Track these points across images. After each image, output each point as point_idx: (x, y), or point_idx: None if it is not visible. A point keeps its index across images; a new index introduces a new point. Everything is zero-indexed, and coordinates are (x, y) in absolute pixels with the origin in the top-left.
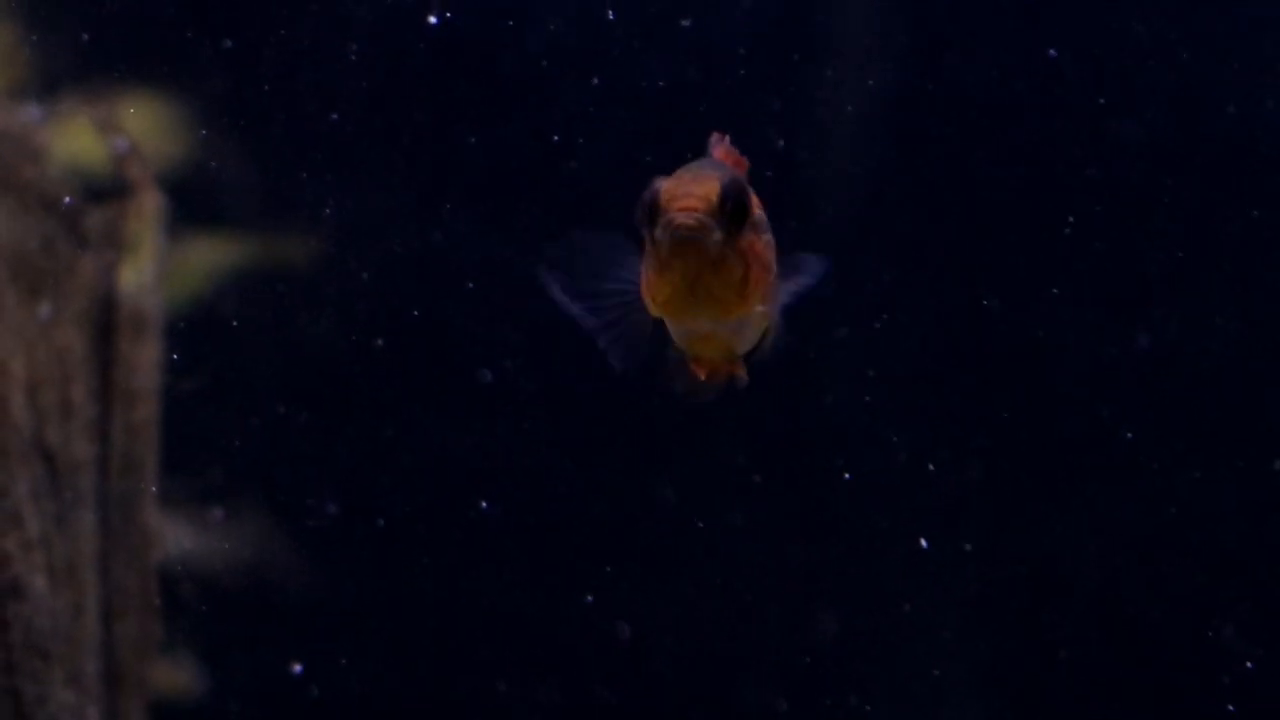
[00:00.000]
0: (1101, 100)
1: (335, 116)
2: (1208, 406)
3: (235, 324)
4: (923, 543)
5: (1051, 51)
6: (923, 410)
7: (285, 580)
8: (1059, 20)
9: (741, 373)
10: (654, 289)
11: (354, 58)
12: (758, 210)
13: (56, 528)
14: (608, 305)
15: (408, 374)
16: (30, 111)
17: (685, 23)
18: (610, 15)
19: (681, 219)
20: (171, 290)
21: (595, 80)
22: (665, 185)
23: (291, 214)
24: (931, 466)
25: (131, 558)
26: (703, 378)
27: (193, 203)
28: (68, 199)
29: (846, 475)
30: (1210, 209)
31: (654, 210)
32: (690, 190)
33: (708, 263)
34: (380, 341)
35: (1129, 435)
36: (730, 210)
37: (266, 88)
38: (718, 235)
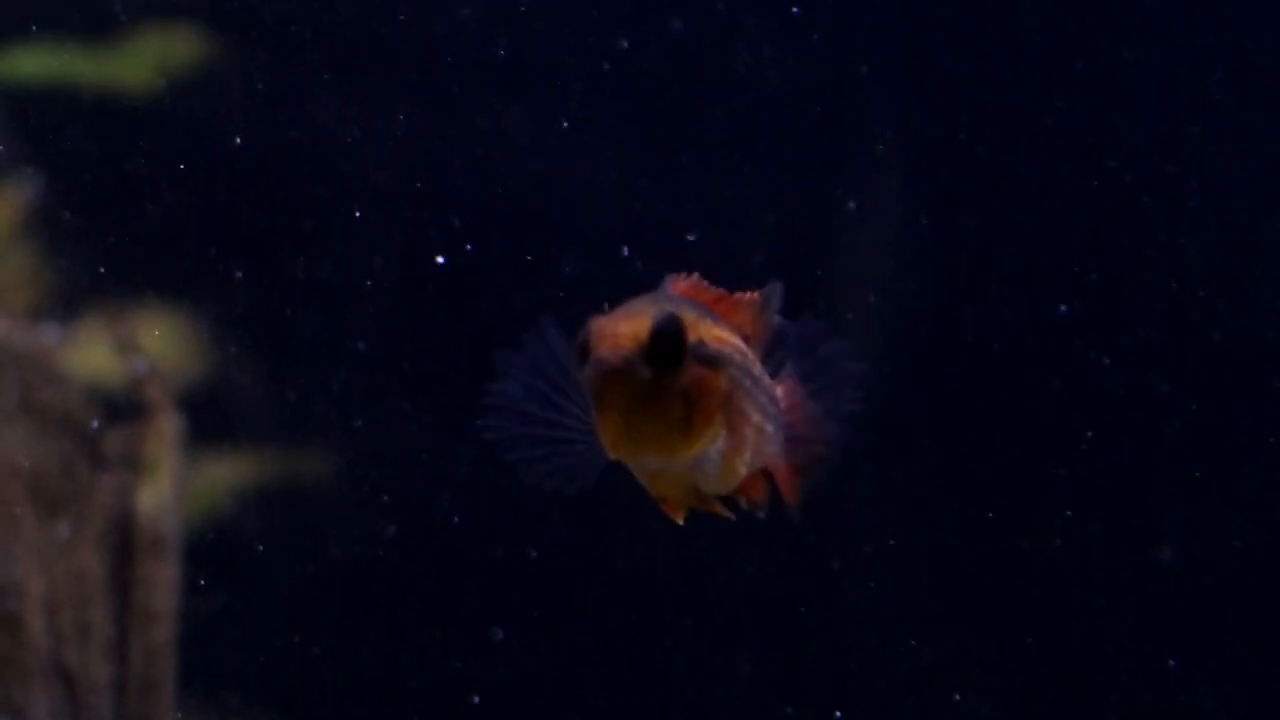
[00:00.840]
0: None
1: (352, 334)
2: None
3: (254, 542)
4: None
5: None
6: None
7: None
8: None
9: (720, 511)
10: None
11: (369, 277)
12: (720, 345)
13: None
14: (567, 424)
15: (429, 589)
16: (50, 332)
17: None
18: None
19: (605, 355)
20: (190, 509)
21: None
22: (596, 323)
23: (310, 429)
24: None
25: None
26: (673, 516)
27: (211, 420)
28: (93, 423)
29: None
30: None
31: (584, 349)
32: (618, 329)
33: (637, 402)
34: (400, 556)
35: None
36: (662, 349)
37: (283, 305)
38: (643, 373)
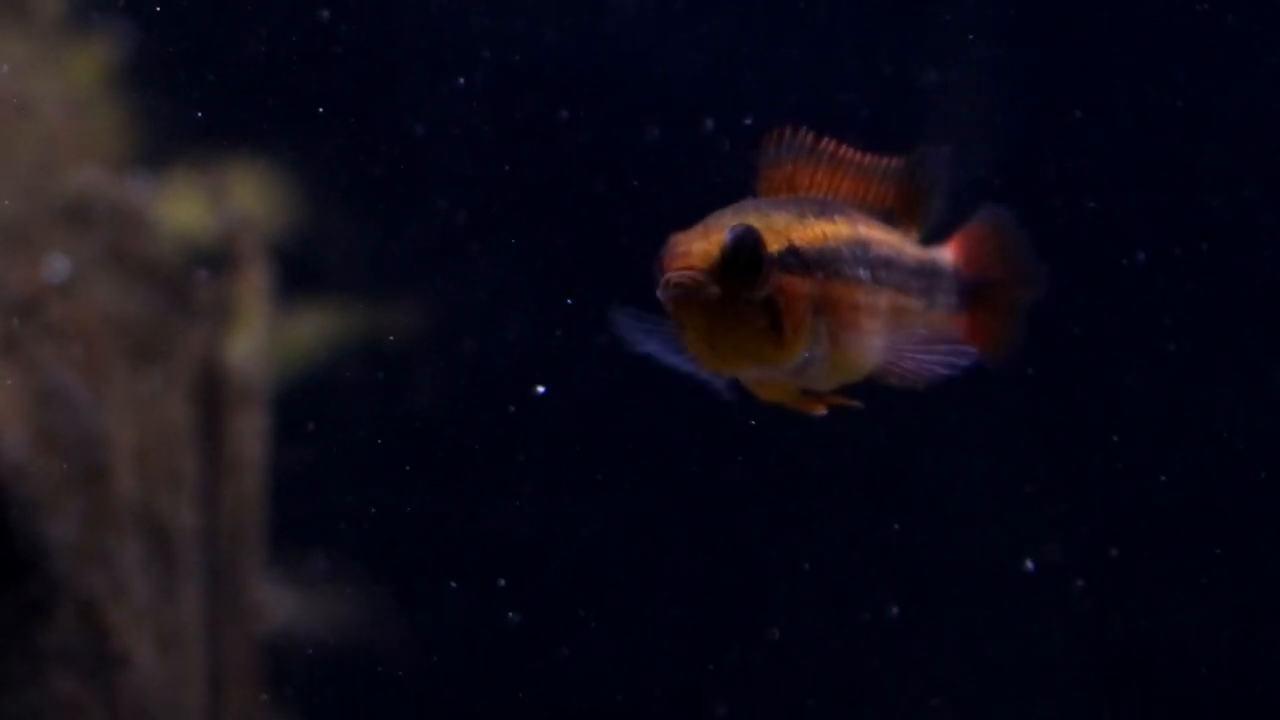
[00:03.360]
0: None
1: (443, 190)
2: None
3: (341, 395)
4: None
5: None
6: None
7: (391, 650)
8: None
9: (818, 409)
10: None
11: (464, 131)
12: (821, 243)
13: (164, 598)
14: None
15: (512, 444)
16: (139, 184)
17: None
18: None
19: (675, 276)
20: (278, 361)
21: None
22: (673, 240)
23: (400, 283)
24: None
25: (238, 627)
26: (785, 404)
27: (300, 272)
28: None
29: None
30: None
31: (660, 268)
32: (691, 247)
33: (713, 319)
34: (483, 412)
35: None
36: (734, 264)
37: (375, 157)
38: (714, 291)
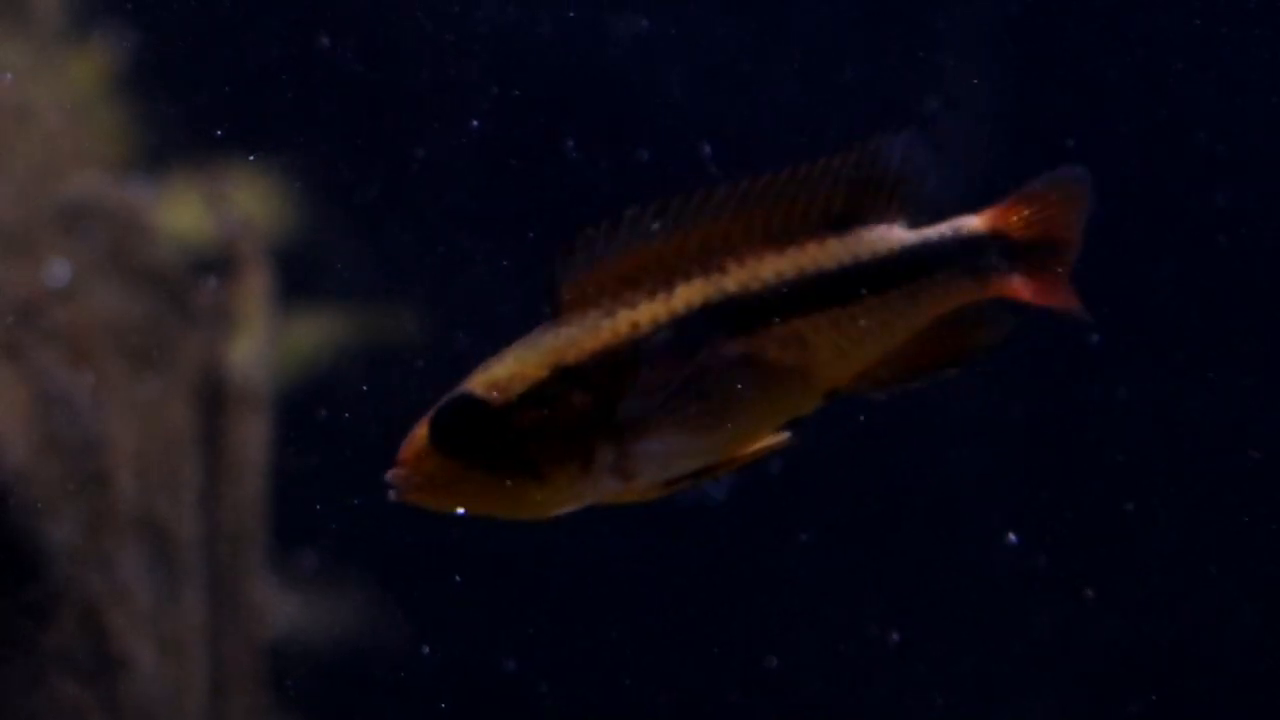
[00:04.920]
0: None
1: (443, 189)
2: None
3: (343, 398)
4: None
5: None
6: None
7: (392, 653)
8: None
9: (681, 488)
10: None
11: (463, 134)
12: (590, 357)
13: (166, 602)
14: None
15: None
16: (139, 188)
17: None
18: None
19: (392, 475)
20: (279, 365)
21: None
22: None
23: (400, 287)
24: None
25: (240, 632)
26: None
27: (301, 276)
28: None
29: None
30: None
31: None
32: (405, 445)
33: (459, 498)
34: None
35: None
36: (450, 439)
37: (374, 160)
38: (432, 467)
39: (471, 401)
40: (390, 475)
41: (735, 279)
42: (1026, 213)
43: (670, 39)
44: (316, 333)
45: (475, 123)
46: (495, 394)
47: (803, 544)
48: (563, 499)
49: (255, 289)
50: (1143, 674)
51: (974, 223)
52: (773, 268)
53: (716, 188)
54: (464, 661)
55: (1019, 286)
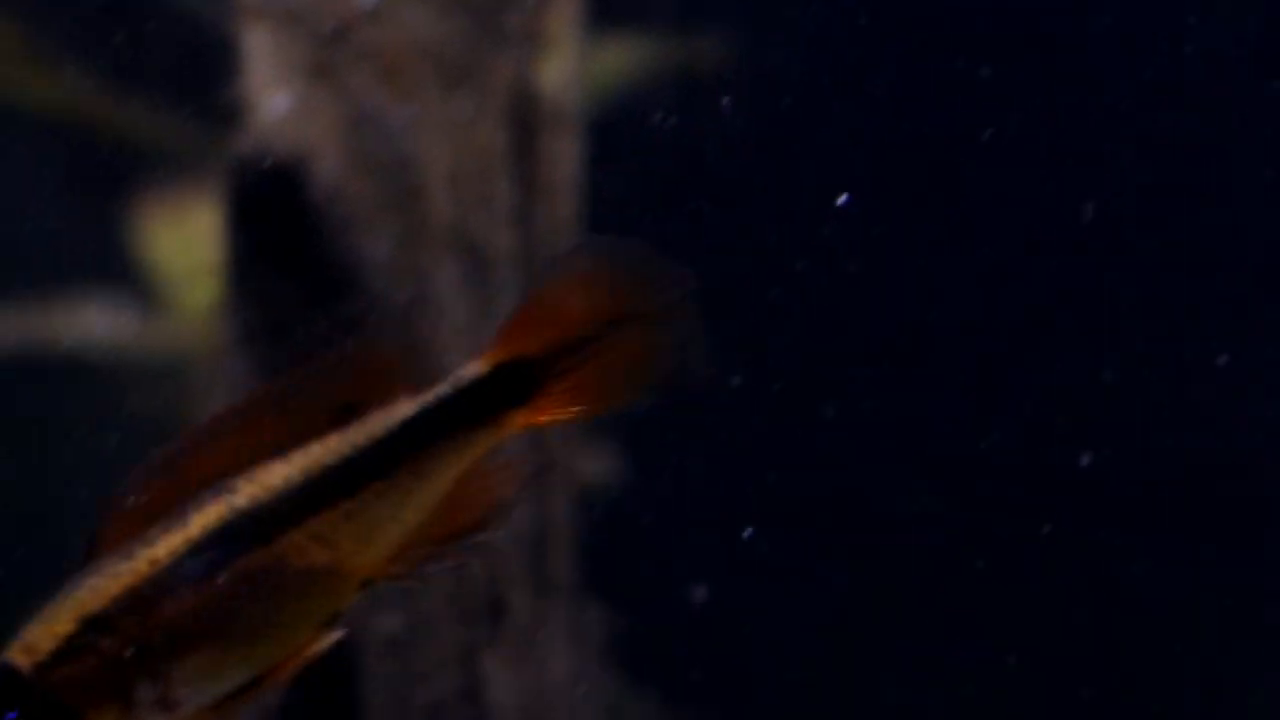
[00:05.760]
0: None
1: None
2: None
3: (649, 124)
4: None
5: None
6: None
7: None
8: None
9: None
10: None
11: None
12: (114, 601)
13: (481, 317)
14: None
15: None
16: None
17: None
18: None
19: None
20: (589, 88)
21: None
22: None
23: (709, 15)
24: None
25: None
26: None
27: (611, 1)
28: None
29: None
30: None
31: None
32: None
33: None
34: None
35: None
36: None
37: None
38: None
39: (6, 670)
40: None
41: (246, 494)
42: (531, 324)
43: None
44: (625, 57)
45: None
46: (25, 658)
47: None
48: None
49: (565, 11)
50: None
51: (474, 367)
52: (280, 475)
53: (223, 410)
54: None
55: (532, 413)
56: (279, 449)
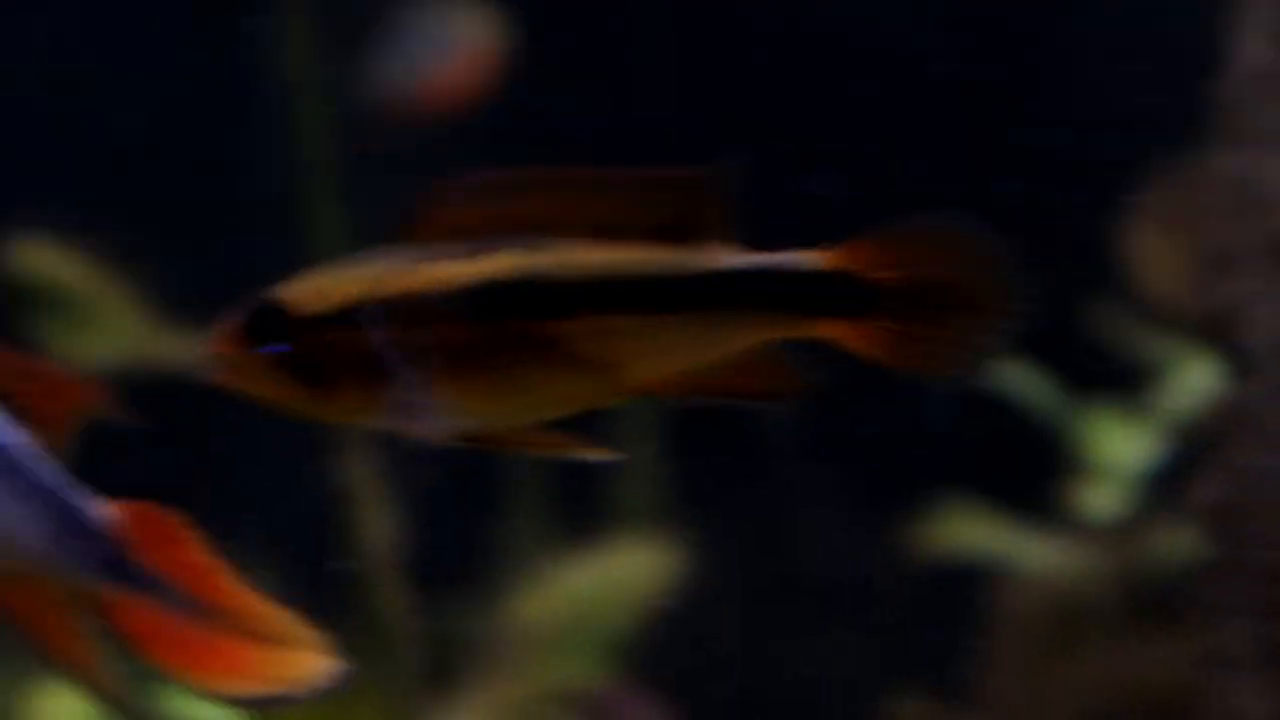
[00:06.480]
0: None
1: None
2: None
3: None
4: None
5: None
6: None
7: None
8: None
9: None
10: None
11: None
12: (399, 295)
13: None
14: None
15: None
16: None
17: None
18: None
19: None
20: None
21: None
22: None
23: None
24: None
25: None
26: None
27: None
28: None
29: None
30: None
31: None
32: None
33: (245, 385)
34: None
35: None
36: (250, 332)
37: None
38: (234, 360)
39: (279, 306)
40: (199, 352)
41: (553, 260)
42: (886, 255)
43: None
44: None
45: None
46: (305, 305)
47: None
48: (345, 417)
49: None
50: None
51: (814, 258)
52: (590, 260)
53: (542, 171)
54: None
55: (853, 333)
56: (590, 229)
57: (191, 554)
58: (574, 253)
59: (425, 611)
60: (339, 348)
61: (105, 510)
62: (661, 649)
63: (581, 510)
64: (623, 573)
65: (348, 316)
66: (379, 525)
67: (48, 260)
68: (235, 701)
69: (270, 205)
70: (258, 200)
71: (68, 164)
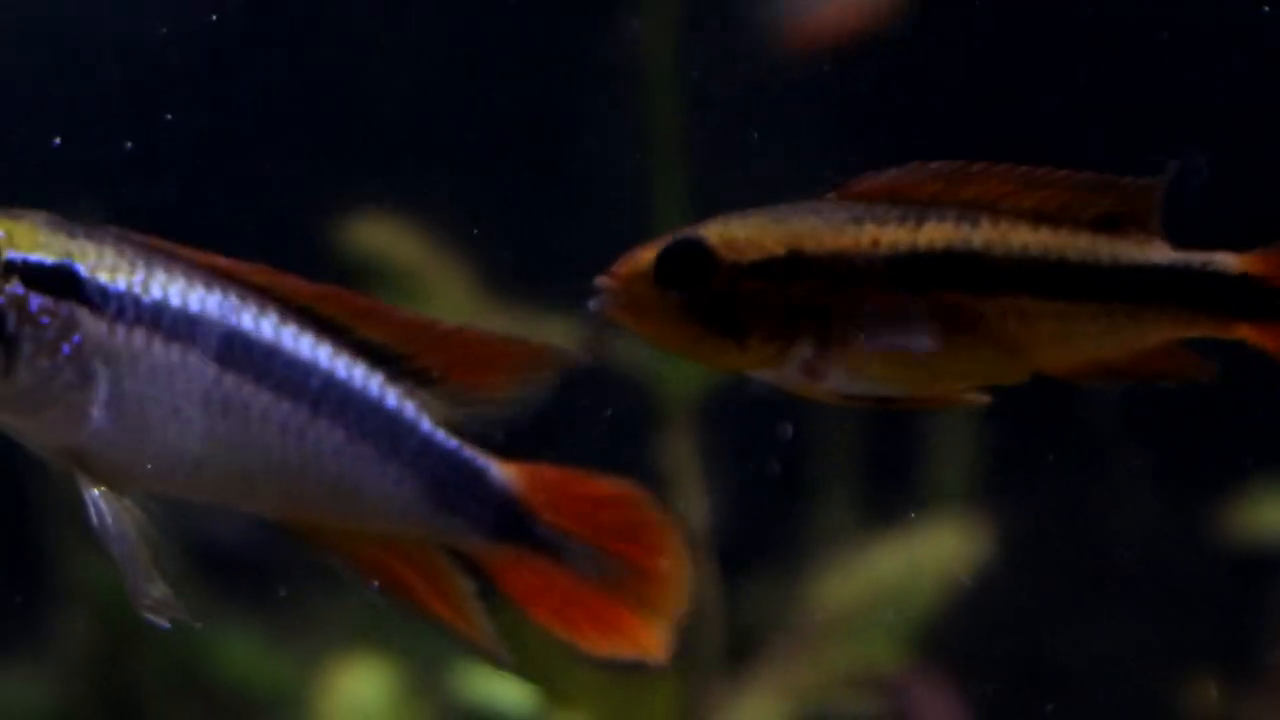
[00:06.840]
0: None
1: None
2: None
3: None
4: None
5: None
6: None
7: None
8: None
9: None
10: None
11: None
12: (824, 253)
13: None
14: None
15: None
16: None
17: None
18: None
19: (602, 283)
20: None
21: None
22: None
23: None
24: None
25: None
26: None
27: None
28: None
29: None
30: None
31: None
32: (629, 258)
33: (643, 322)
34: None
35: None
36: (665, 270)
37: None
38: (644, 293)
39: (705, 249)
40: (599, 283)
41: (984, 235)
42: None
43: None
44: None
45: None
46: (729, 251)
47: None
48: (750, 368)
49: None
50: None
51: (1240, 261)
52: (1022, 238)
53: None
54: None
55: (1261, 334)
56: (1029, 215)
57: (590, 514)
58: (1007, 231)
59: (730, 594)
60: (757, 298)
61: (504, 472)
62: (961, 631)
63: (894, 494)
64: (927, 555)
65: (770, 268)
66: (693, 508)
67: (383, 237)
68: (605, 665)
69: (606, 185)
70: (594, 181)
71: (421, 147)
